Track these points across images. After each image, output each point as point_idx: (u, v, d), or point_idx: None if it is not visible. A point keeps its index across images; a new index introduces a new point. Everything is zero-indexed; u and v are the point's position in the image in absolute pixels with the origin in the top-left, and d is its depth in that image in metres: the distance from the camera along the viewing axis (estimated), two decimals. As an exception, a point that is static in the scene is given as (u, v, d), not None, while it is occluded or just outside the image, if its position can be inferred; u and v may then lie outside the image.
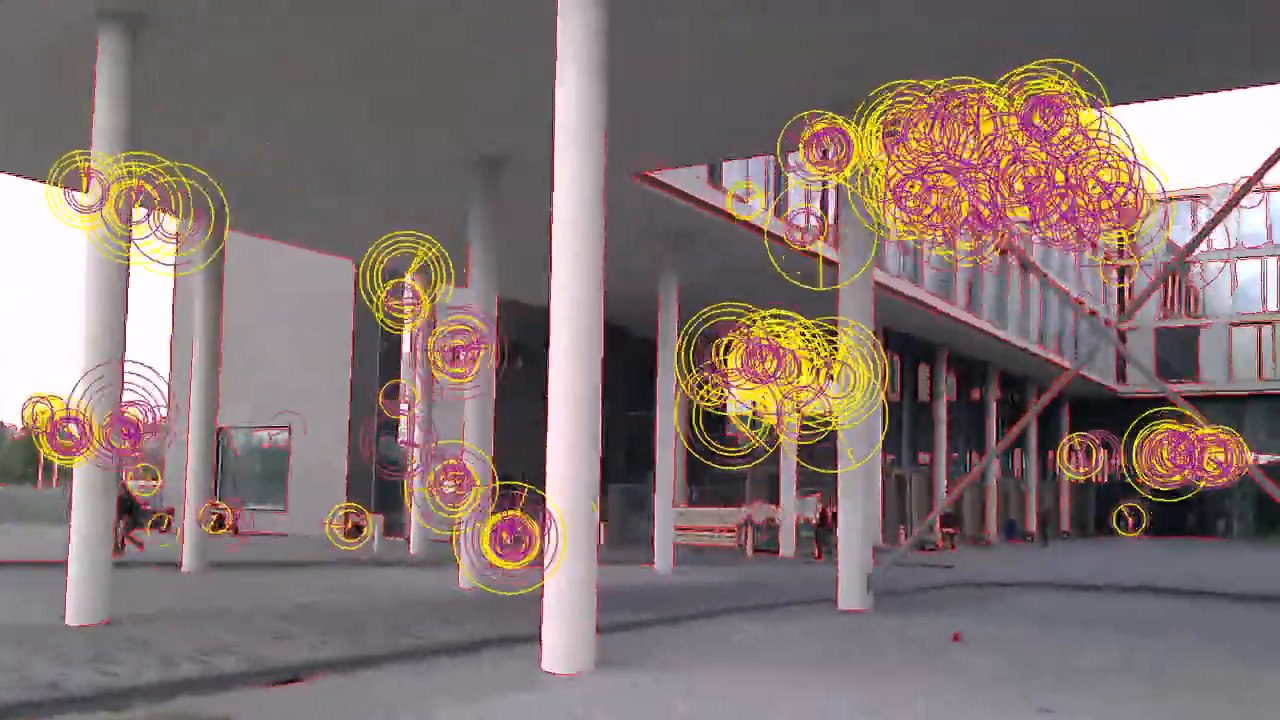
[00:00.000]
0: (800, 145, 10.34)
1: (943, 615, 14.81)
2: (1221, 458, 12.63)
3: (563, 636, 9.38)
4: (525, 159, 17.55)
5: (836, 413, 12.93)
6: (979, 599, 18.25)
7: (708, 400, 10.84)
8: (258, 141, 17.99)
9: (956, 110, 9.24)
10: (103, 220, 12.38)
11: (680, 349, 22.45)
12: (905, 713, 7.96)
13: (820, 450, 15.31)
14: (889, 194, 9.59)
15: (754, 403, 11.25)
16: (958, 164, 9.18)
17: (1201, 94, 15.76)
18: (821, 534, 30.21)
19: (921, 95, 9.32)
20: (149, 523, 33.48)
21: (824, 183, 28.16)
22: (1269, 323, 60.08)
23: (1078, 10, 13.03)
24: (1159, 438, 12.72)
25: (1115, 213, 9.48)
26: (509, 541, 9.70)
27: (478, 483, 16.73)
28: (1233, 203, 13.46)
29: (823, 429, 13.54)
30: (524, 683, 8.83)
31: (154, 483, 39.84)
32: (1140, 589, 21.14)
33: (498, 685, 8.78)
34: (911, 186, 9.49)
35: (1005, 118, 9.18)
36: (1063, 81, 8.99)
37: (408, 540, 28.12)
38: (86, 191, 12.72)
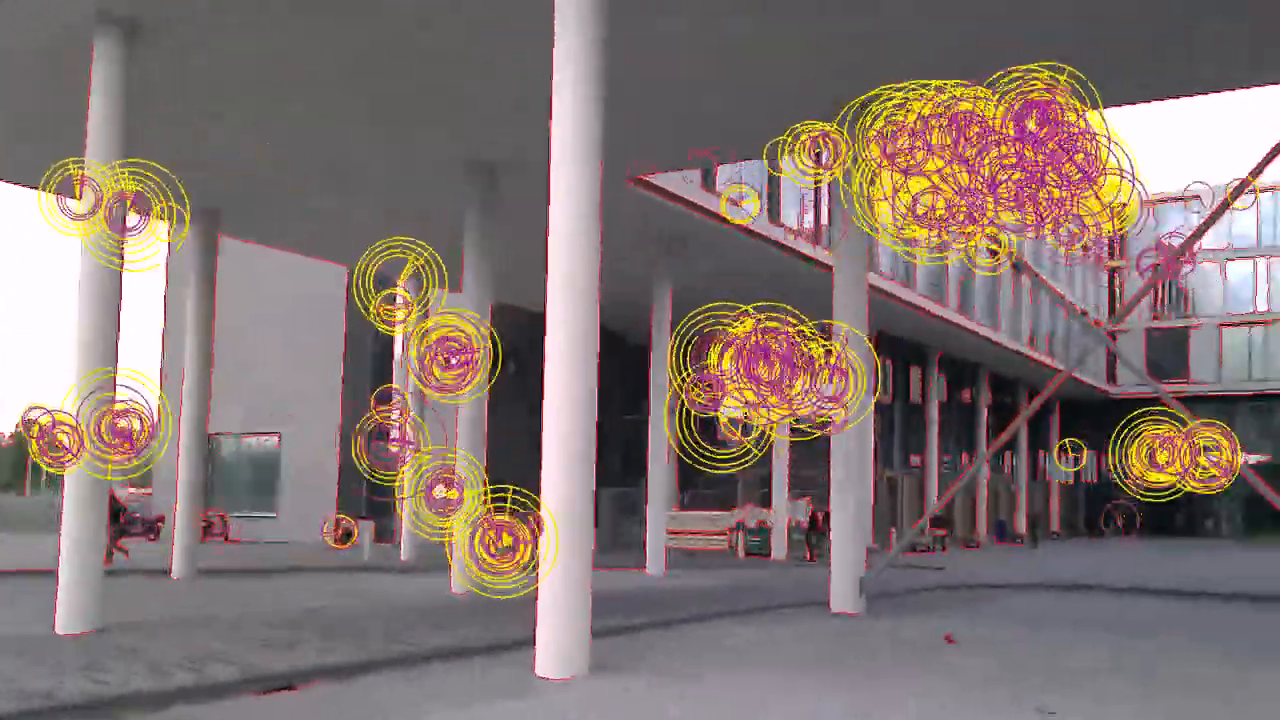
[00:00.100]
0: (793, 149, 10.36)
1: (934, 617, 14.84)
2: (1216, 460, 12.64)
3: (557, 641, 9.39)
4: (524, 161, 17.55)
5: (828, 416, 12.94)
6: (970, 601, 18.29)
7: (700, 399, 10.84)
8: (258, 141, 17.93)
9: (947, 114, 9.27)
10: (96, 227, 12.38)
11: (672, 351, 22.55)
12: (898, 715, 7.99)
13: (813, 452, 15.35)
14: (880, 193, 9.62)
15: (745, 405, 11.24)
16: (944, 161, 9.22)
17: (1203, 94, 15.76)
18: (812, 537, 30.27)
19: (912, 98, 9.35)
20: (138, 531, 33.44)
21: (816, 185, 28.24)
22: (1259, 323, 60.32)
23: (1077, 10, 13.07)
24: (1151, 441, 12.73)
25: (1105, 213, 9.52)
26: (500, 546, 9.72)
27: (468, 488, 16.78)
28: (1227, 204, 13.51)
29: (816, 431, 13.58)
30: (518, 688, 8.83)
31: (143, 490, 39.78)
32: (1130, 590, 21.22)
33: (492, 690, 8.78)
34: (901, 184, 9.52)
35: (996, 121, 9.22)
36: (1054, 83, 9.02)
37: (399, 546, 28.07)
38: (80, 198, 12.71)
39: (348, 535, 30.10)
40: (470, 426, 18.04)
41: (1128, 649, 12.20)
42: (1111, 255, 63.62)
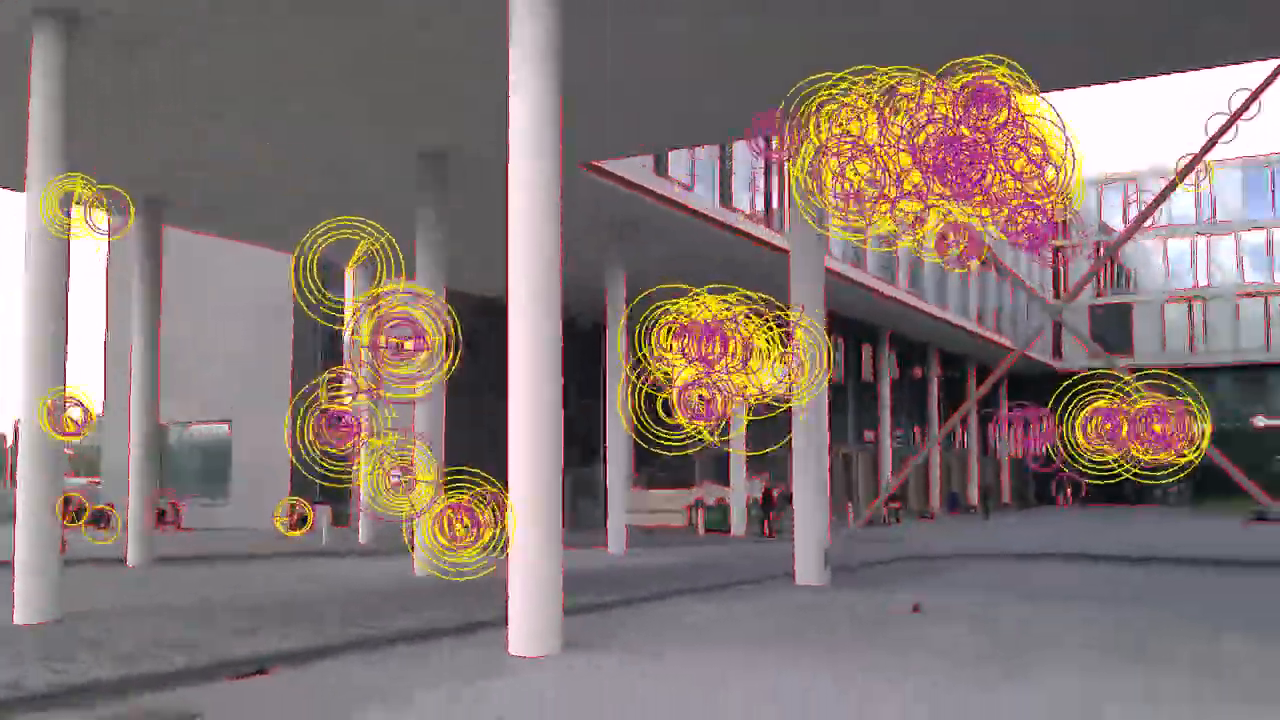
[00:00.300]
0: (746, 134, 10.36)
1: (898, 588, 15.02)
2: (1160, 430, 12.81)
3: (530, 621, 9.39)
4: (474, 149, 17.50)
5: (781, 393, 12.99)
6: (931, 571, 18.54)
7: (654, 376, 10.83)
8: (198, 132, 17.64)
9: (893, 99, 9.34)
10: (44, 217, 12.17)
11: (620, 332, 22.54)
12: (878, 684, 8.08)
13: (770, 429, 15.39)
14: (826, 176, 9.67)
15: (695, 384, 11.22)
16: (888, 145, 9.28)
17: (1152, 76, 16.04)
18: (770, 512, 30.52)
19: (860, 84, 9.42)
20: (83, 520, 32.88)
21: (767, 169, 28.33)
22: (1199, 299, 61.52)
23: (1077, 11, 13.25)
24: (1099, 412, 12.87)
25: (1047, 195, 9.63)
26: (460, 529, 9.69)
27: (425, 472, 16.64)
28: (1175, 183, 13.72)
29: (772, 408, 13.59)
30: (493, 667, 8.82)
31: (91, 479, 39.14)
32: (1083, 557, 21.64)
33: (467, 670, 8.76)
34: (846, 167, 9.58)
35: (942, 105, 9.30)
36: (996, 69, 9.13)
37: (356, 530, 27.89)
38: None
39: (303, 520, 29.79)
40: (428, 411, 17.91)
41: (1094, 616, 12.41)
42: (1055, 235, 64.49)
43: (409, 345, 11.01)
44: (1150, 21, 13.80)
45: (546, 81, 10.09)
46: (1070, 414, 12.84)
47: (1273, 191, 60.95)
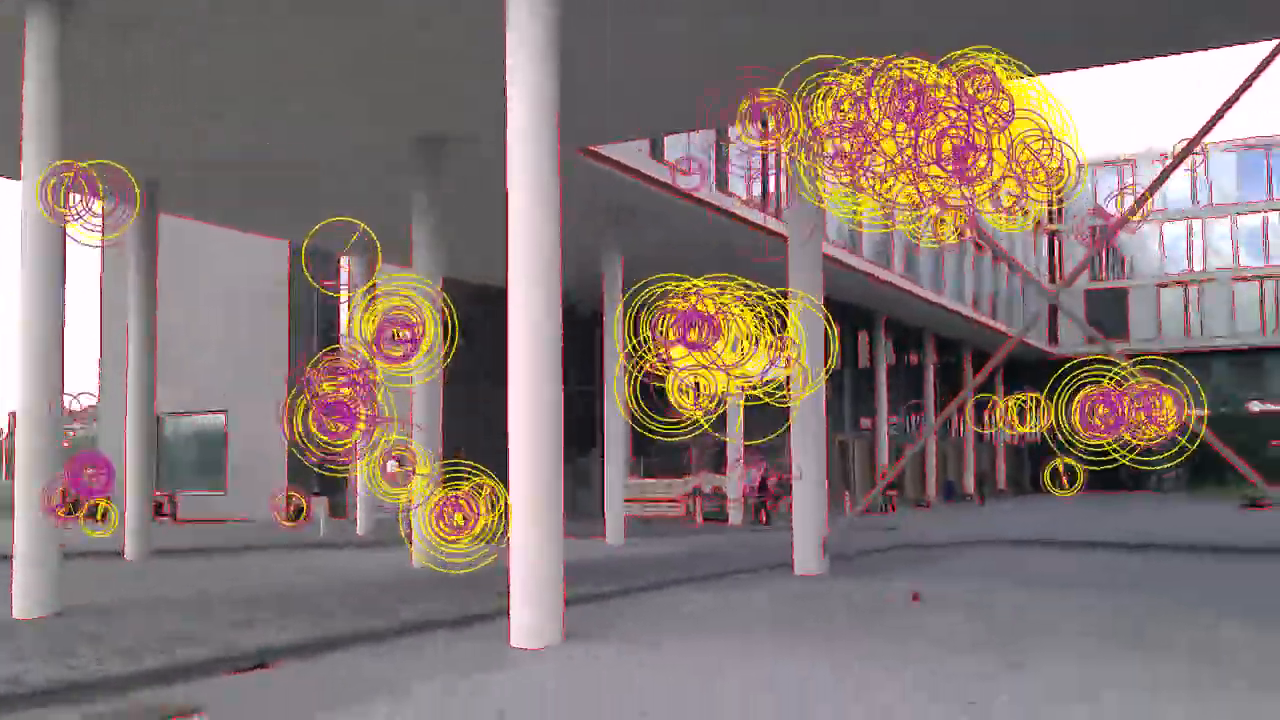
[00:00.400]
0: (740, 117, 10.34)
1: (897, 577, 15.06)
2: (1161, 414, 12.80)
3: (531, 612, 9.40)
4: (473, 135, 17.45)
5: (779, 381, 12.99)
6: (928, 559, 18.59)
7: (651, 367, 10.83)
8: (197, 120, 17.61)
9: (889, 81, 9.36)
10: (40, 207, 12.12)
11: (617, 320, 22.51)
12: (878, 671, 8.10)
13: (766, 417, 15.39)
14: (826, 158, 9.68)
15: (694, 372, 11.21)
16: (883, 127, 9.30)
17: (1148, 57, 16.08)
18: (766, 500, 30.56)
19: (857, 69, 9.43)
20: (81, 513, 32.88)
21: (764, 154, 28.25)
22: (1195, 283, 61.60)
23: (1078, 12, 13.26)
24: (1095, 395, 12.86)
25: (1042, 175, 9.65)
26: (456, 520, 9.69)
27: (422, 462, 16.67)
28: (1173, 166, 13.73)
29: (771, 397, 13.58)
30: (494, 660, 8.82)
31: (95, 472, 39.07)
32: (1082, 544, 21.70)
33: (468, 663, 8.76)
34: (845, 149, 9.59)
35: (936, 88, 9.32)
36: (989, 55, 9.16)
37: (354, 521, 27.90)
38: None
39: (299, 511, 29.82)
40: (426, 399, 17.90)
41: (1091, 602, 12.44)
42: (1050, 220, 64.46)
43: (405, 334, 11.01)
44: (1148, 5, 13.81)
45: (545, 74, 10.06)
46: (1065, 398, 12.85)
47: (1268, 175, 61.01)
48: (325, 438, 11.40)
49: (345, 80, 16.05)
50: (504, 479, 9.83)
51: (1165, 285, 62.22)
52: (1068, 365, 12.90)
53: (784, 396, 14.12)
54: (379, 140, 18.62)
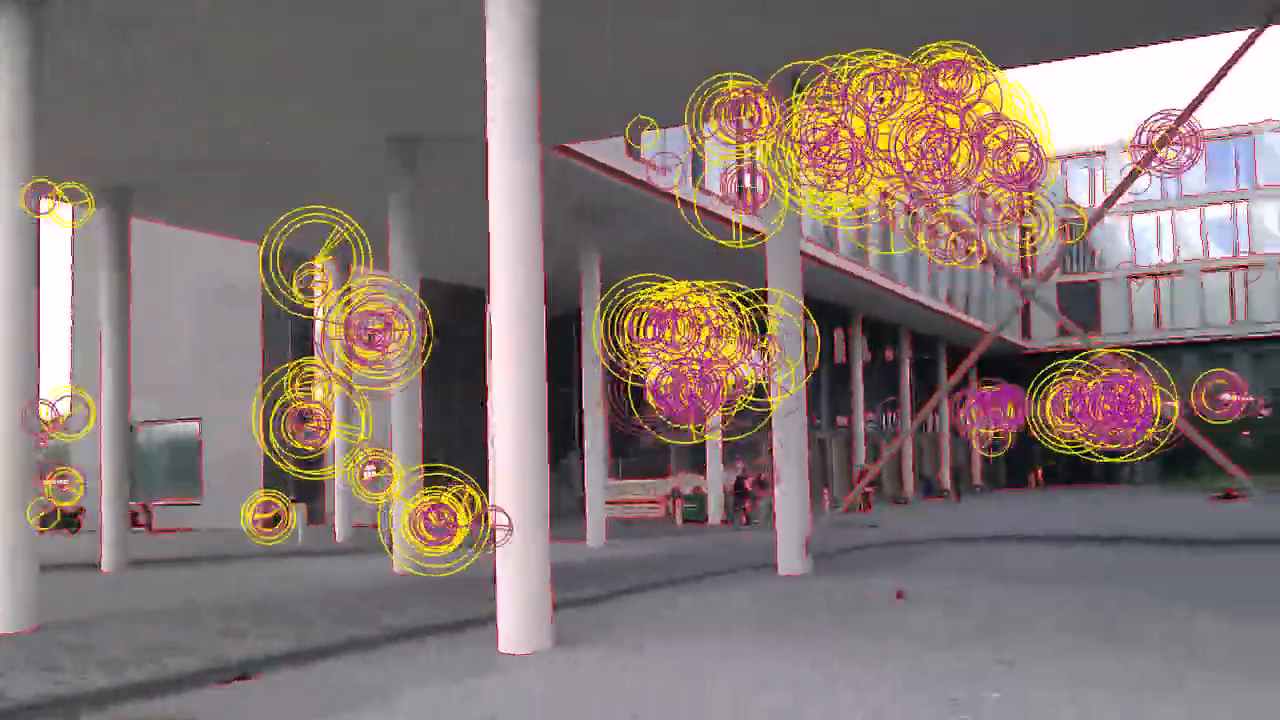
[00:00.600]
0: (715, 113, 10.38)
1: (879, 575, 15.12)
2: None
3: (519, 618, 9.40)
4: (446, 135, 17.44)
5: (757, 381, 13.02)
6: (908, 556, 18.68)
7: (629, 367, 10.84)
8: (168, 121, 17.49)
9: (865, 79, 9.46)
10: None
11: (595, 320, 22.50)
12: (860, 670, 8.15)
13: (745, 418, 15.37)
14: (801, 155, 9.75)
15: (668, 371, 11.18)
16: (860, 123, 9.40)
17: (1121, 49, 16.26)
18: (745, 501, 30.61)
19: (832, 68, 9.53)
20: (54, 525, 32.49)
21: (740, 151, 28.25)
22: (1165, 275, 62.16)
23: (1077, 12, 13.37)
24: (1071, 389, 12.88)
25: (1016, 172, 9.76)
26: (435, 525, 9.68)
27: (400, 469, 16.62)
28: (1147, 160, 13.81)
29: (754, 399, 13.61)
30: (484, 665, 8.82)
31: (59, 482, 38.65)
32: (1057, 539, 21.88)
33: (458, 669, 8.75)
34: (821, 147, 9.67)
35: (910, 85, 9.44)
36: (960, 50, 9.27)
37: (333, 528, 27.77)
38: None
39: (277, 519, 29.58)
40: (403, 402, 17.83)
41: (1066, 597, 12.55)
42: (1022, 214, 64.78)
43: (380, 338, 10.97)
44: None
45: (524, 72, 10.06)
46: (1040, 391, 12.91)
47: (1235, 166, 61.57)
48: (298, 446, 11.35)
49: (321, 81, 16.02)
50: (480, 479, 9.84)
51: (1136, 278, 62.74)
52: (1046, 361, 12.96)
53: (762, 398, 14.16)
54: (354, 140, 18.54)
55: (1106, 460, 13.43)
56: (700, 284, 10.68)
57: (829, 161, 9.85)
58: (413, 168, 18.52)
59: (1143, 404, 11.64)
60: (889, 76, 9.81)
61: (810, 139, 9.86)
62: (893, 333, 48.67)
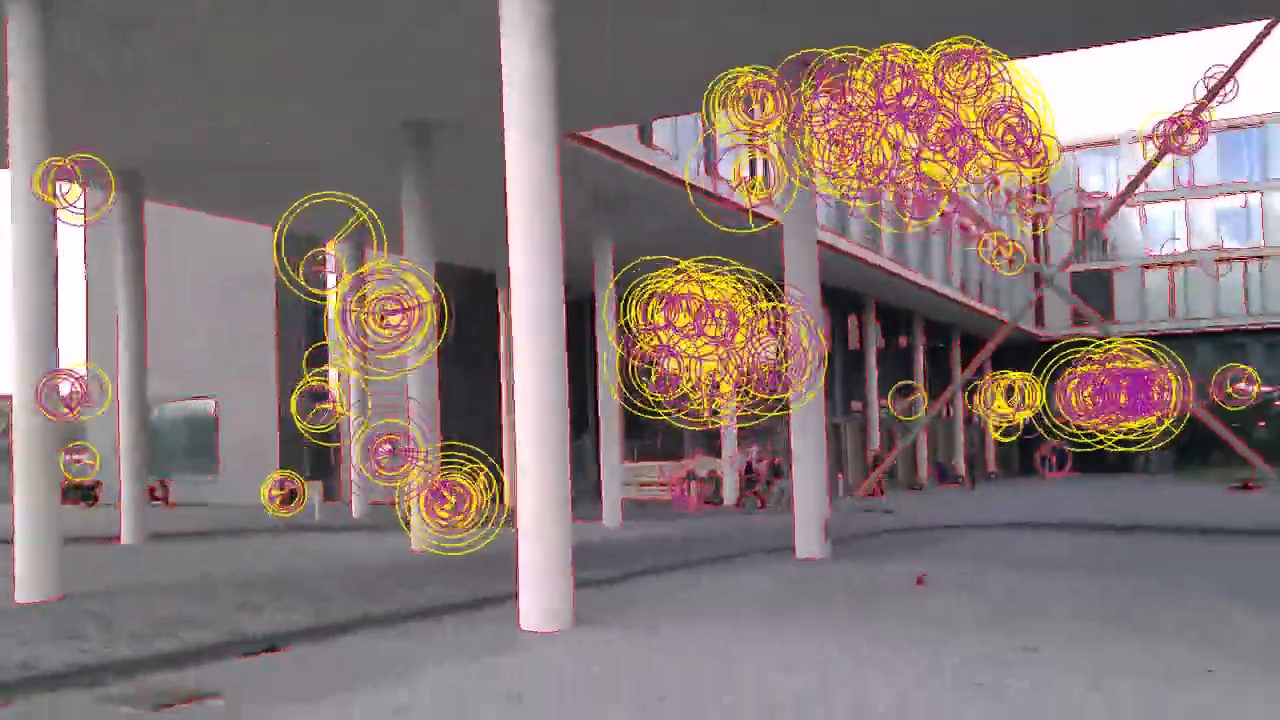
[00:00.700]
0: (728, 101, 10.37)
1: (895, 560, 15.15)
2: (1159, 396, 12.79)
3: (542, 597, 9.44)
4: (459, 120, 17.45)
5: (772, 368, 13.00)
6: (925, 542, 18.69)
7: (644, 351, 10.85)
8: (180, 104, 17.52)
9: (874, 67, 9.47)
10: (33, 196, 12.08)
11: (608, 304, 22.51)
12: (886, 651, 8.17)
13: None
14: (815, 144, 9.75)
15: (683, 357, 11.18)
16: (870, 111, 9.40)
17: (1137, 39, 16.18)
18: (759, 484, 30.62)
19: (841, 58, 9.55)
20: (71, 498, 32.72)
21: (751, 139, 28.19)
22: (1179, 264, 61.88)
23: (1077, 12, 13.30)
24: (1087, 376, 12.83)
25: (1025, 158, 9.75)
26: (450, 505, 9.72)
27: (419, 448, 16.63)
28: (1165, 149, 13.76)
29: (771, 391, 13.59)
30: (506, 643, 8.87)
31: (77, 457, 38.86)
32: (1072, 526, 21.86)
33: (480, 646, 8.80)
34: (835, 134, 9.66)
35: (920, 74, 9.45)
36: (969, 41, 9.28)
37: (349, 504, 27.89)
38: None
39: (293, 495, 29.72)
40: (421, 383, 17.86)
41: (1081, 585, 12.54)
42: (1033, 202, 64.52)
43: (397, 320, 10.99)
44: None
45: (542, 60, 10.05)
46: (1053, 379, 12.87)
47: (1249, 156, 61.21)
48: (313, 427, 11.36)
49: (321, 81, 16.16)
50: (496, 460, 9.89)
51: (1150, 267, 62.48)
52: (1057, 347, 12.89)
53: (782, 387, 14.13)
54: (355, 133, 18.58)
55: (1120, 449, 13.39)
56: (716, 270, 10.66)
57: (843, 142, 9.82)
58: (428, 152, 18.50)
59: (1157, 392, 11.60)
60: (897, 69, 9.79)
61: (822, 130, 9.83)
62: (906, 319, 48.58)
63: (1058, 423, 13.14)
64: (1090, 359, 12.62)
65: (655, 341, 10.75)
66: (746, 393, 11.40)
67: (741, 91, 10.33)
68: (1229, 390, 12.69)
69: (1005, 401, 14.35)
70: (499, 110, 10.22)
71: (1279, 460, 26.01)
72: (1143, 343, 12.68)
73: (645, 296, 10.58)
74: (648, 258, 10.90)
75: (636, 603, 11.22)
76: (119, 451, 20.73)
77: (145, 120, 17.91)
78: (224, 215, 26.84)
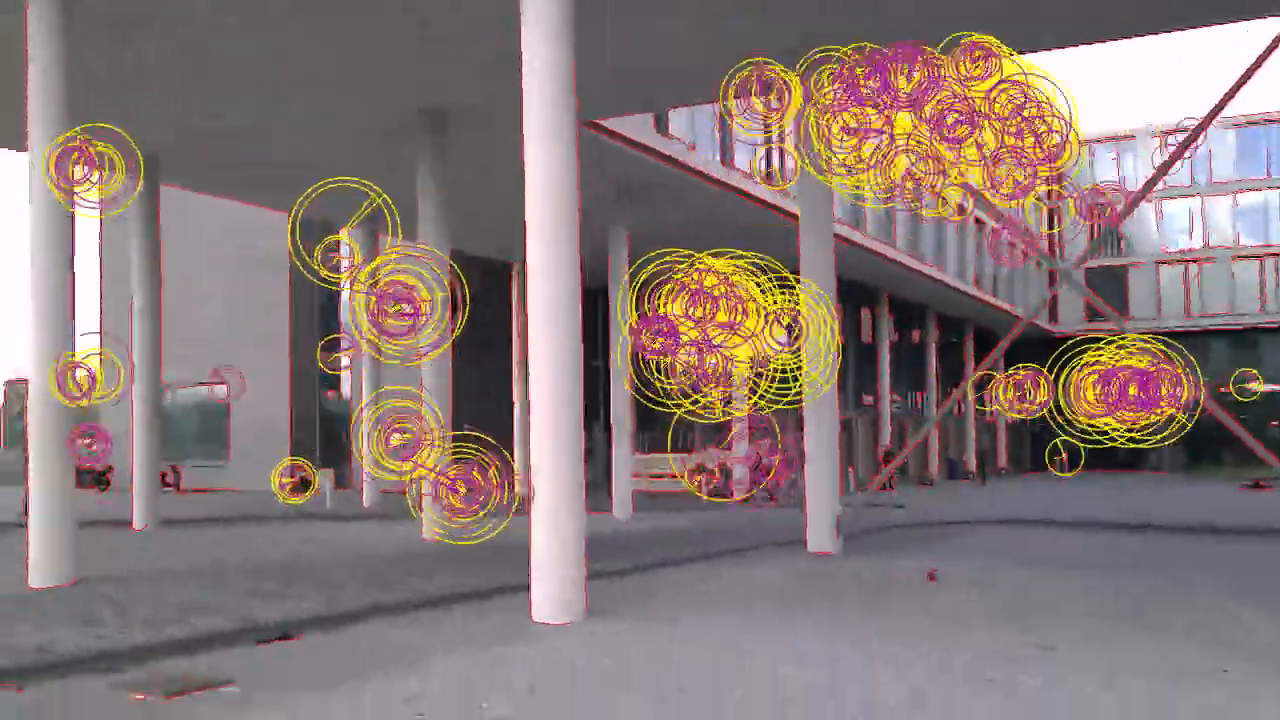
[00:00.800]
0: (745, 91, 10.35)
1: (906, 555, 15.14)
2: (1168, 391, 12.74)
3: (554, 588, 9.45)
4: (476, 108, 17.45)
5: (785, 362, 12.98)
6: (936, 538, 18.67)
7: (652, 345, 10.83)
8: (198, 86, 17.57)
9: (892, 63, 9.46)
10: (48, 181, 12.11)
11: (622, 295, 22.49)
12: (897, 646, 8.17)
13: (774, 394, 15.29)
14: (829, 138, 9.74)
15: (694, 348, 11.15)
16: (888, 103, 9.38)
17: (1152, 34, 16.08)
18: (756, 478, 30.57)
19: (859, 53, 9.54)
20: (84, 483, 32.88)
21: (766, 128, 28.12)
22: (1194, 261, 61.60)
23: (1077, 12, 13.25)
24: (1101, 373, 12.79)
25: (1041, 152, 9.73)
26: (462, 495, 9.73)
27: (429, 435, 16.65)
28: (1189, 142, 13.72)
29: (786, 384, 13.57)
30: (518, 633, 8.89)
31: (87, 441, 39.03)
32: (1083, 524, 21.80)
33: (492, 636, 8.82)
34: (850, 128, 9.65)
35: (937, 67, 9.44)
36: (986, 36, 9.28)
37: (359, 492, 27.96)
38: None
39: (305, 484, 29.81)
40: (435, 373, 17.89)
41: (1093, 583, 12.52)
42: (1049, 196, 64.30)
43: (407, 309, 11.00)
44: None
45: (562, 50, 10.04)
46: (1065, 375, 12.82)
47: (1267, 153, 60.86)
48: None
49: (321, 80, 16.15)
50: (508, 448, 9.89)
51: (1165, 263, 62.20)
52: (1071, 342, 12.84)
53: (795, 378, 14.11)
54: (384, 112, 18.55)
55: (1132, 445, 13.34)
56: (729, 258, 10.63)
57: (858, 136, 9.81)
58: (443, 141, 18.49)
59: (1168, 387, 11.56)
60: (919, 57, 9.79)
61: (835, 124, 9.82)
62: (920, 313, 48.46)
63: (1069, 418, 13.09)
64: (1100, 359, 12.59)
65: (689, 335, 10.71)
66: (758, 386, 11.38)
67: (751, 84, 10.31)
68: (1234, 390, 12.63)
69: (1017, 398, 14.31)
70: (516, 97, 10.21)
71: (1294, 460, 25.81)
72: (1157, 340, 12.63)
73: (668, 290, 10.55)
74: (665, 249, 10.86)
75: (649, 595, 11.23)
76: (132, 437, 20.82)
77: (162, 101, 17.93)
78: (238, 200, 26.88)
